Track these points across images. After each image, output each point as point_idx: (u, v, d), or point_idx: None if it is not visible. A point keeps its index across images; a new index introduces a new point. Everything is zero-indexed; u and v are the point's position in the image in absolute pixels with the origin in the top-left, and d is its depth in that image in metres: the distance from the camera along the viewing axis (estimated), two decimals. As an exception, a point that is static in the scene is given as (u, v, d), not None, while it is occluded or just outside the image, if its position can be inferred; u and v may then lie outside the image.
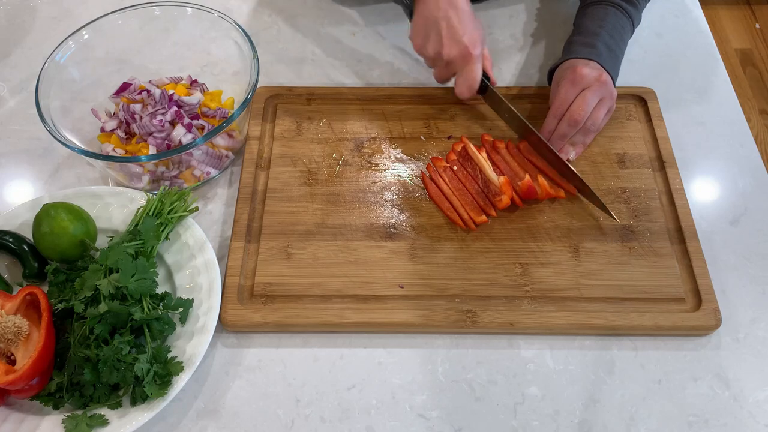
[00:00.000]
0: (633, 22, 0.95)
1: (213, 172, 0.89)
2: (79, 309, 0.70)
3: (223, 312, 0.76)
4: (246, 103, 0.83)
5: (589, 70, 0.86)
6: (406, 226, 0.84)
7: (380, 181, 0.88)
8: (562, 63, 0.91)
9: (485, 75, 0.89)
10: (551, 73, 0.93)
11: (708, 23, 1.10)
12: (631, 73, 1.02)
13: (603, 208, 0.83)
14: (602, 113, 0.87)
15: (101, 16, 0.91)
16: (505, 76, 1.02)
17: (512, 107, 0.89)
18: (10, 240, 0.79)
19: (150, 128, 0.86)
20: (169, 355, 0.71)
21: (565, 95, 0.86)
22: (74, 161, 0.93)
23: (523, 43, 1.07)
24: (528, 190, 0.83)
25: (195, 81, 0.95)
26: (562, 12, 1.11)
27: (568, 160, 0.87)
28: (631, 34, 0.97)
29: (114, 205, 0.83)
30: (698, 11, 1.12)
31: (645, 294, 0.78)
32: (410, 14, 0.90)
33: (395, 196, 0.87)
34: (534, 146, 0.90)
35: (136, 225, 0.78)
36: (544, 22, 1.10)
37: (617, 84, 0.97)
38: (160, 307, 0.74)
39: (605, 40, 0.91)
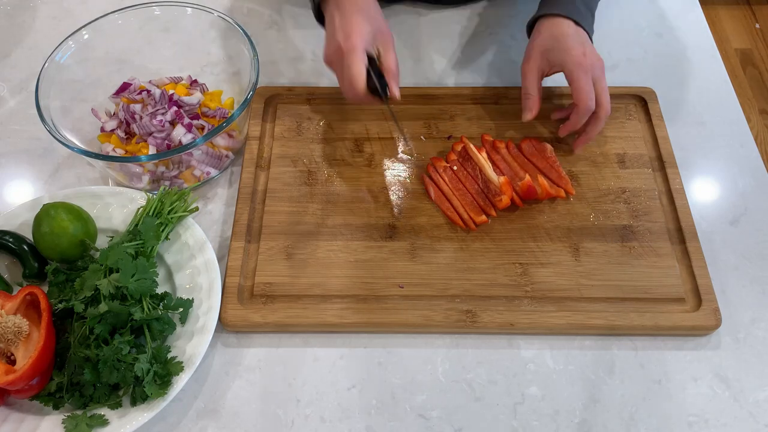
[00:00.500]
0: None
1: (213, 172, 0.89)
2: (79, 309, 0.70)
3: (223, 312, 0.76)
4: (246, 103, 0.83)
5: (589, 57, 0.83)
6: (406, 226, 0.84)
7: (380, 181, 0.88)
8: (544, 19, 0.87)
9: (384, 82, 0.78)
10: (531, 26, 0.91)
11: (708, 23, 1.10)
12: (631, 73, 1.02)
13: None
14: (608, 95, 0.85)
15: (101, 16, 0.91)
16: (505, 76, 1.02)
17: (399, 125, 0.87)
18: (10, 240, 0.79)
19: (150, 128, 0.86)
20: (169, 355, 0.72)
21: (589, 90, 0.82)
22: (74, 161, 0.93)
23: (523, 43, 1.06)
24: (528, 190, 0.83)
25: (195, 81, 0.95)
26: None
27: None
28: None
29: (114, 205, 0.83)
30: (698, 11, 1.12)
31: (645, 294, 0.78)
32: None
33: (395, 196, 0.87)
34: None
35: (136, 225, 0.78)
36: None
37: (618, 83, 0.97)
38: (160, 307, 0.74)
39: None
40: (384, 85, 0.78)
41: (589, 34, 0.87)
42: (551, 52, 0.85)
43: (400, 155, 0.90)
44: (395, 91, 0.79)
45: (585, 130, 0.87)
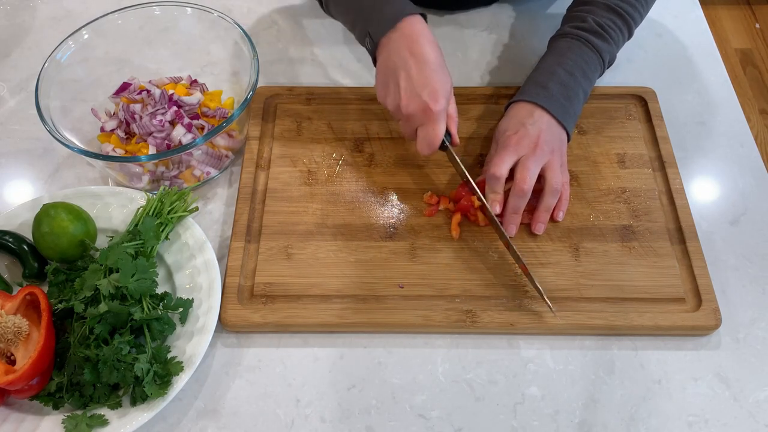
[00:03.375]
0: (602, 57, 0.88)
1: (213, 172, 0.89)
2: (79, 309, 0.70)
3: (223, 312, 0.76)
4: (246, 103, 0.83)
5: (522, 136, 0.80)
6: (406, 226, 0.84)
7: (380, 181, 0.88)
8: (511, 105, 0.86)
9: (448, 133, 0.81)
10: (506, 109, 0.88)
11: (708, 23, 1.10)
12: (631, 73, 1.02)
13: (541, 296, 0.76)
14: (558, 173, 0.81)
15: (101, 16, 0.91)
16: (505, 76, 1.02)
17: (467, 173, 0.82)
18: (10, 240, 0.79)
19: (150, 128, 0.86)
20: (169, 355, 0.72)
21: (501, 159, 0.79)
22: (74, 161, 0.93)
23: (523, 44, 1.07)
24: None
25: (195, 81, 0.95)
26: (562, 12, 1.11)
27: (512, 238, 0.81)
28: (602, 71, 0.89)
29: (114, 205, 0.83)
30: (698, 11, 1.12)
31: (645, 294, 0.78)
32: (374, 61, 0.82)
33: (395, 196, 0.87)
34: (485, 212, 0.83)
35: (136, 225, 0.78)
36: (546, 22, 1.09)
37: (618, 83, 0.97)
38: (160, 307, 0.74)
39: (561, 78, 0.85)
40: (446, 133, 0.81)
41: (562, 121, 0.83)
42: (499, 134, 0.85)
43: (401, 155, 0.90)
44: (457, 138, 0.83)
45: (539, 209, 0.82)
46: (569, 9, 0.94)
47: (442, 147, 0.81)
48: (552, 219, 0.83)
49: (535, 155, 0.79)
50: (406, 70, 0.76)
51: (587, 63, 0.87)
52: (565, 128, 0.84)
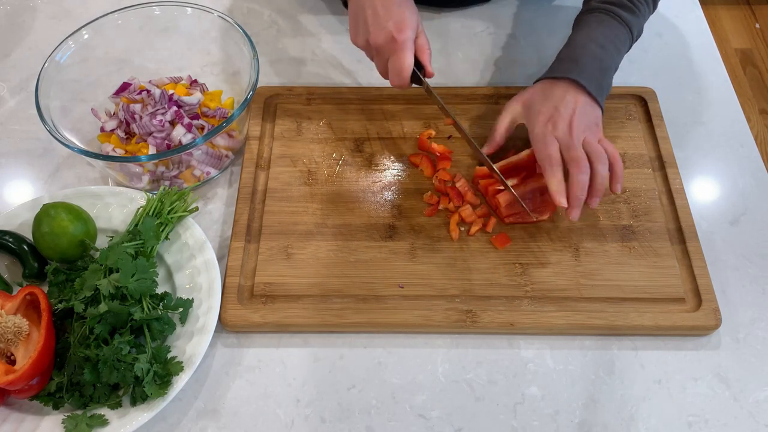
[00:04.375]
0: (631, 30, 0.88)
1: (213, 172, 0.89)
2: (79, 309, 0.70)
3: (223, 312, 0.76)
4: (246, 103, 0.83)
5: (556, 121, 0.80)
6: (406, 226, 0.84)
7: (380, 181, 0.88)
8: (542, 81, 0.86)
9: (420, 65, 0.82)
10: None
11: (708, 23, 1.10)
12: (631, 73, 1.02)
13: (522, 206, 0.80)
14: (596, 143, 0.80)
15: (101, 16, 0.91)
16: (505, 76, 1.02)
17: (442, 102, 0.84)
18: (10, 240, 0.79)
19: (150, 128, 0.86)
20: (169, 355, 0.71)
21: (553, 146, 0.79)
22: (74, 161, 0.93)
23: (523, 44, 1.07)
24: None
25: (195, 81, 0.95)
26: (564, 12, 1.11)
27: (567, 214, 0.79)
28: (630, 44, 0.89)
29: (114, 205, 0.83)
30: (698, 11, 1.12)
31: (645, 294, 0.78)
32: (345, 5, 0.86)
33: (395, 196, 0.87)
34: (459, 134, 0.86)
35: (136, 225, 0.78)
36: (546, 22, 1.09)
37: (618, 83, 0.97)
38: (160, 307, 0.74)
39: (593, 51, 0.85)
40: (419, 66, 0.83)
41: (595, 95, 0.83)
42: (531, 107, 0.84)
43: (401, 155, 0.90)
44: (430, 69, 0.83)
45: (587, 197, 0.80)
46: None
47: (417, 81, 0.83)
48: (613, 192, 0.82)
49: (573, 138, 0.79)
50: (372, 7, 0.80)
51: (618, 36, 0.86)
52: (598, 103, 0.83)
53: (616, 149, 0.82)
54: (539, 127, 0.81)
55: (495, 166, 0.83)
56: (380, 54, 0.81)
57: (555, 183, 0.78)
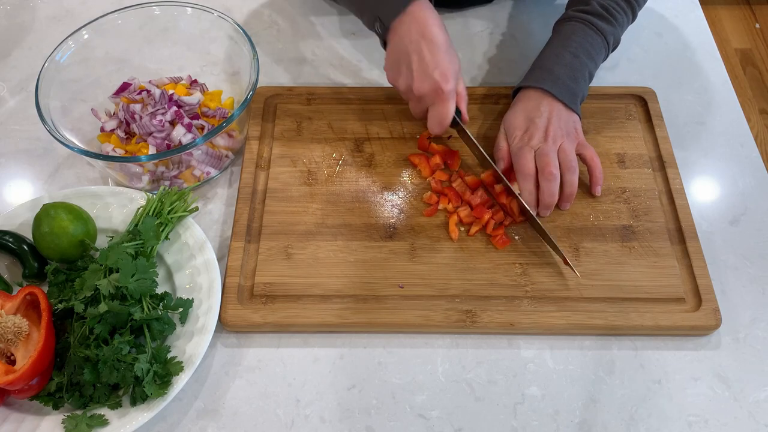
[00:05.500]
0: (607, 40, 0.89)
1: (213, 172, 0.89)
2: (79, 309, 0.70)
3: (223, 312, 0.76)
4: (246, 103, 0.83)
5: (532, 133, 0.83)
6: (406, 226, 0.84)
7: (380, 181, 0.88)
8: (519, 92, 0.88)
9: (458, 111, 0.85)
10: (515, 94, 0.90)
11: (708, 23, 1.10)
12: (631, 73, 1.02)
13: (565, 261, 0.79)
14: (571, 152, 0.83)
15: (101, 16, 0.91)
16: (505, 77, 1.02)
17: (480, 147, 0.86)
18: (10, 240, 0.79)
19: (150, 128, 0.86)
20: (169, 355, 0.71)
21: (525, 158, 0.82)
22: (74, 161, 0.93)
23: (523, 44, 1.07)
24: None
25: (195, 81, 0.95)
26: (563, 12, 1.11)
27: (538, 214, 0.83)
28: (606, 53, 0.91)
29: (114, 205, 0.83)
30: (698, 11, 1.12)
31: (645, 294, 0.78)
32: (384, 44, 0.86)
33: (395, 196, 0.87)
34: (499, 188, 0.86)
35: (136, 225, 0.78)
36: (545, 22, 1.09)
37: (618, 83, 0.97)
38: (160, 307, 0.74)
39: (566, 60, 0.86)
40: (457, 111, 0.85)
41: (568, 103, 0.85)
42: (506, 126, 0.87)
43: (401, 155, 0.90)
44: (466, 116, 0.87)
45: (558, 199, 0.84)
46: None
47: (453, 124, 0.85)
48: (593, 194, 0.86)
49: (548, 145, 0.82)
50: (418, 53, 0.79)
51: (592, 45, 0.88)
52: (573, 110, 0.86)
53: (594, 151, 0.85)
54: (516, 142, 0.84)
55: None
56: (422, 101, 0.83)
57: (526, 194, 0.82)
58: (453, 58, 0.81)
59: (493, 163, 0.86)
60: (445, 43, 0.80)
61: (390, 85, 0.86)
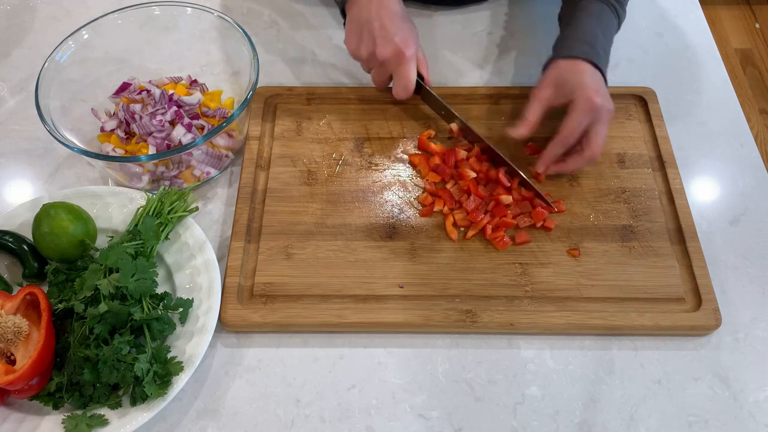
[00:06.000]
0: (620, 20, 0.92)
1: (213, 172, 0.89)
2: (79, 309, 0.70)
3: (223, 312, 0.76)
4: (246, 103, 0.83)
5: (602, 99, 0.82)
6: (406, 226, 0.84)
7: (380, 181, 0.88)
8: (562, 60, 0.86)
9: (420, 76, 0.88)
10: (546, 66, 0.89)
11: (708, 23, 1.10)
12: (631, 73, 1.02)
13: (541, 197, 0.84)
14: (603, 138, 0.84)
15: (101, 16, 0.91)
16: (505, 76, 1.02)
17: (447, 105, 0.89)
18: (10, 240, 0.79)
19: (150, 128, 0.86)
20: (169, 355, 0.71)
21: (578, 126, 0.82)
22: (74, 161, 0.93)
23: (523, 43, 1.07)
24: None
25: (195, 81, 0.95)
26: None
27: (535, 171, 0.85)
28: (617, 32, 0.93)
29: (114, 205, 0.83)
30: (698, 11, 1.12)
31: (645, 294, 0.78)
32: (343, 14, 0.90)
33: (395, 196, 0.87)
34: (466, 137, 0.90)
35: (136, 225, 0.78)
36: (545, 21, 1.09)
37: (618, 83, 0.97)
38: (160, 307, 0.74)
39: (601, 40, 0.88)
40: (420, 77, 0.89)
41: (606, 79, 0.86)
42: (566, 84, 0.84)
43: (400, 155, 0.90)
44: (428, 79, 0.91)
45: (563, 159, 0.85)
46: None
47: (418, 89, 0.89)
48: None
49: (602, 121, 0.83)
50: (379, 20, 0.84)
51: (612, 26, 0.91)
52: (605, 78, 0.86)
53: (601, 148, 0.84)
54: (582, 103, 0.82)
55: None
56: (384, 66, 0.86)
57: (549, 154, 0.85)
58: (411, 26, 0.86)
59: (459, 117, 0.88)
60: (402, 13, 0.86)
61: (390, 86, 0.86)
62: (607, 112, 0.82)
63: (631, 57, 1.04)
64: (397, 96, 0.87)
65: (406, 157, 0.91)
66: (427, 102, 0.93)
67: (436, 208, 0.85)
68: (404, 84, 0.86)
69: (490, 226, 0.83)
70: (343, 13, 0.90)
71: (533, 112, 0.85)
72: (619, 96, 0.96)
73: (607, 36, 0.89)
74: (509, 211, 0.83)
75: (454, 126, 0.90)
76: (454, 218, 0.84)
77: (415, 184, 0.88)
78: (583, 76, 0.83)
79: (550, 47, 1.07)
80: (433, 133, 0.92)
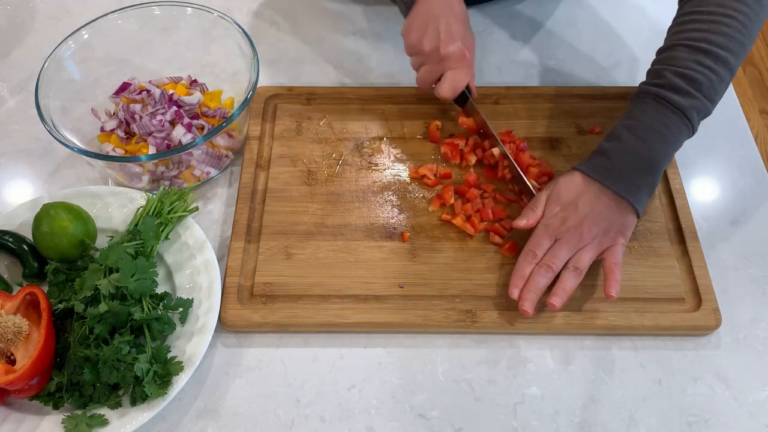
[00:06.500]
0: (687, 115, 0.75)
1: (213, 172, 0.89)
2: (79, 309, 0.70)
3: (223, 312, 0.76)
4: (246, 103, 0.83)
5: (565, 218, 0.76)
6: (406, 226, 0.84)
7: (380, 181, 0.88)
8: (576, 172, 0.79)
9: (467, 88, 0.88)
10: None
11: (708, 23, 1.10)
12: (632, 73, 1.02)
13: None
14: (586, 258, 0.76)
15: (101, 16, 0.91)
16: (505, 76, 1.02)
17: (490, 125, 0.88)
18: (10, 240, 0.79)
19: (150, 128, 0.86)
20: (169, 355, 0.71)
21: (539, 243, 0.76)
22: (74, 161, 0.93)
23: (523, 43, 1.07)
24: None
25: (195, 81, 0.95)
26: (563, 13, 1.11)
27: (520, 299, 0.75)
28: (691, 131, 0.76)
29: (114, 205, 0.83)
30: (698, 11, 1.12)
31: (645, 294, 0.78)
32: (406, 11, 0.88)
33: (395, 196, 0.87)
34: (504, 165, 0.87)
35: (136, 225, 0.78)
36: (545, 22, 1.09)
37: (618, 83, 0.97)
38: (160, 307, 0.74)
39: (629, 145, 0.75)
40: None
41: (633, 202, 0.76)
42: (556, 192, 0.79)
43: (400, 155, 0.90)
44: (475, 91, 0.90)
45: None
46: (654, 61, 0.81)
47: (463, 101, 0.89)
48: (607, 296, 0.75)
49: (571, 240, 0.76)
50: (447, 20, 0.84)
51: (666, 126, 0.75)
52: (633, 207, 0.76)
53: (620, 260, 0.76)
54: (548, 216, 0.78)
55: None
56: (442, 63, 0.85)
57: (518, 276, 0.76)
58: (473, 34, 0.87)
59: (500, 143, 0.87)
60: (467, 20, 0.86)
61: (390, 86, 0.86)
62: (568, 232, 0.76)
63: (631, 57, 1.04)
64: (442, 94, 0.86)
65: (406, 157, 0.90)
66: (469, 116, 0.91)
67: (447, 205, 0.85)
68: (456, 84, 0.85)
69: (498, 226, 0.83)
70: (407, 6, 0.88)
71: (538, 207, 0.79)
72: (620, 96, 0.96)
73: (648, 138, 0.75)
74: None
75: (495, 151, 0.87)
76: (465, 213, 0.84)
77: (416, 184, 0.88)
78: (566, 190, 0.78)
79: (550, 47, 1.07)
80: (440, 123, 0.92)
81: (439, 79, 0.87)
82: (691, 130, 0.77)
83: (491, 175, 0.88)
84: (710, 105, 0.76)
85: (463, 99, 0.89)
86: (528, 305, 0.74)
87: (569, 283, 0.75)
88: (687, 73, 0.75)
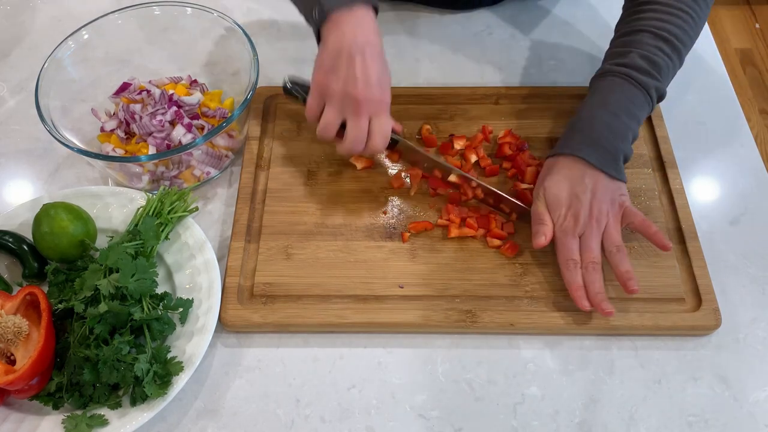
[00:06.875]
0: (649, 94, 0.81)
1: (213, 172, 0.89)
2: (79, 309, 0.70)
3: (223, 312, 0.76)
4: (246, 103, 0.83)
5: (577, 212, 0.77)
6: (406, 226, 0.84)
7: (380, 181, 0.88)
8: (557, 158, 0.81)
9: (393, 131, 0.81)
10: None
11: (708, 23, 1.09)
12: (631, 73, 1.02)
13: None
14: (616, 233, 0.78)
15: (101, 16, 0.91)
16: (505, 76, 1.02)
17: (429, 155, 0.85)
18: (10, 240, 0.79)
19: (150, 128, 0.86)
20: (169, 355, 0.71)
21: (569, 249, 0.77)
22: (74, 161, 0.93)
23: (523, 43, 1.07)
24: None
25: (195, 81, 0.95)
26: (563, 12, 1.11)
27: (595, 308, 0.75)
28: (650, 107, 0.82)
29: (114, 205, 0.83)
30: (698, 11, 1.12)
31: (645, 294, 0.78)
32: (318, 37, 0.81)
33: (395, 196, 0.87)
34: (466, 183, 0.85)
35: (136, 225, 0.78)
36: (545, 21, 1.09)
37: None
38: (160, 307, 0.74)
39: (605, 121, 0.80)
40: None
41: (612, 172, 0.79)
42: (553, 197, 0.80)
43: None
44: (399, 130, 0.85)
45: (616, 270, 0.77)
46: (612, 43, 0.87)
47: (393, 143, 0.85)
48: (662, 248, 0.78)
49: (593, 229, 0.77)
50: (362, 57, 0.75)
51: (633, 102, 0.81)
52: (617, 178, 0.79)
53: (643, 216, 0.79)
54: (561, 222, 0.78)
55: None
56: (359, 110, 0.76)
57: (575, 288, 0.76)
58: (388, 71, 0.79)
59: (450, 166, 0.84)
60: (383, 53, 0.78)
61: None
62: (586, 223, 0.77)
63: (631, 57, 1.04)
64: (374, 147, 0.79)
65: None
66: (405, 158, 0.88)
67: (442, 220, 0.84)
68: (383, 132, 0.78)
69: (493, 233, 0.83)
70: (318, 37, 0.80)
71: (545, 224, 0.79)
72: (619, 96, 0.96)
73: (619, 113, 0.80)
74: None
75: (452, 177, 0.84)
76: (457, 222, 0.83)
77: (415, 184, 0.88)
78: (559, 185, 0.79)
79: (549, 47, 1.07)
80: (429, 128, 0.92)
81: (342, 127, 0.79)
82: (651, 107, 0.83)
83: (456, 200, 0.85)
84: (664, 88, 0.83)
85: (392, 143, 0.84)
86: (606, 305, 0.74)
87: (623, 263, 0.76)
88: (650, 56, 0.81)
